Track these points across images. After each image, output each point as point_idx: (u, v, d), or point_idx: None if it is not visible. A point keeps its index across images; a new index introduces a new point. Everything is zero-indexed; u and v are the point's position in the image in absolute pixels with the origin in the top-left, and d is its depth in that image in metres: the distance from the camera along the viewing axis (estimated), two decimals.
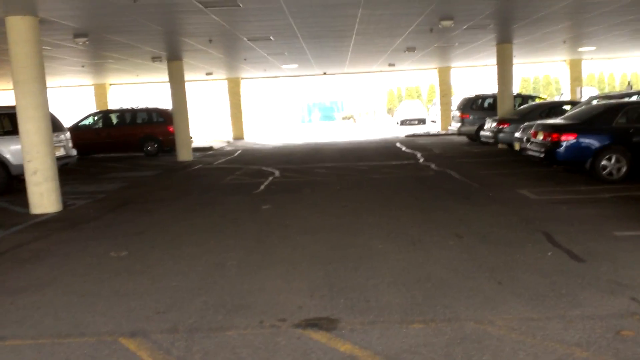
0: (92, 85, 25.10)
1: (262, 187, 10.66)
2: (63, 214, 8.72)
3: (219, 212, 8.28)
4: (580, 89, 22.16)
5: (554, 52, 20.09)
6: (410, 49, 16.25)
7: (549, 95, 32.38)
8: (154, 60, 16.42)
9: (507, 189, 9.06)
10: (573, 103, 14.60)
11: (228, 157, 17.38)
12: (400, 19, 11.28)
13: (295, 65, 21.18)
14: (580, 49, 18.78)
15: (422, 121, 32.27)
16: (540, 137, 9.77)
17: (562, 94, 35.04)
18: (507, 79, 15.93)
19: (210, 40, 13.19)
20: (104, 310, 4.35)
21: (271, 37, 13.11)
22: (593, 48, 18.37)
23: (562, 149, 9.23)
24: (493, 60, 21.76)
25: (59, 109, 36.47)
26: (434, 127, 27.83)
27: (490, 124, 14.91)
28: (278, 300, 4.37)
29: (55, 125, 12.17)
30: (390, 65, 21.87)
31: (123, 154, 18.89)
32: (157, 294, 4.65)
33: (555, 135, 9.26)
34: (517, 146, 12.29)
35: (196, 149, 19.72)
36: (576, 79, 22.77)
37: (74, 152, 12.22)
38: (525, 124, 12.22)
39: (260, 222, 7.45)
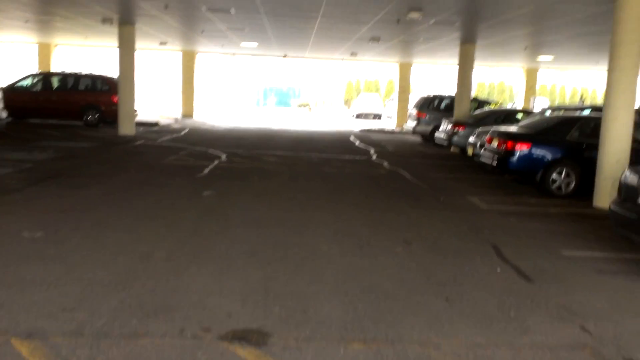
0: (37, 43, 23.39)
1: (206, 171, 10.07)
2: None
3: (155, 195, 7.66)
4: (534, 98, 22.60)
5: (513, 58, 20.33)
6: (375, 39, 15.90)
7: (502, 102, 32.93)
8: (104, 23, 15.30)
9: (459, 195, 8.90)
10: (527, 112, 14.73)
11: (174, 135, 16.55)
12: (368, 4, 10.88)
13: (255, 44, 20.44)
14: (539, 58, 19.05)
15: (378, 116, 32.20)
16: (495, 143, 9.66)
17: (514, 102, 35.95)
18: (466, 81, 15.88)
19: (166, 6, 12.35)
20: (1, 301, 3.76)
21: (232, 10, 12.41)
22: (551, 57, 18.67)
23: (515, 158, 9.14)
24: (454, 60, 21.94)
25: None
26: (389, 123, 27.76)
27: (445, 126, 14.84)
28: (205, 303, 3.90)
29: None
30: (352, 54, 21.50)
31: (61, 121, 17.66)
32: (67, 286, 4.09)
33: (510, 143, 9.16)
34: (470, 151, 12.23)
35: (141, 124, 18.74)
36: (531, 88, 23.21)
37: (3, 114, 11.19)
38: (480, 129, 12.18)
39: (200, 210, 6.92)
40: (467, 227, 6.67)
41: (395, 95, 25.38)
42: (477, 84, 39.74)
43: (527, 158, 9.08)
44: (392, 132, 22.57)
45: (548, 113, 13.11)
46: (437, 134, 15.43)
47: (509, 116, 14.47)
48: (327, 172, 10.82)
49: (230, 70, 43.24)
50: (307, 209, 7.27)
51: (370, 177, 10.40)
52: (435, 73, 42.18)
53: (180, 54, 25.22)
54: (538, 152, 9.07)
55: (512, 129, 10.14)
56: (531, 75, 23.18)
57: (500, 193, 9.25)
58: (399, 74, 24.59)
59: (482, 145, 11.39)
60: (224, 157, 12.05)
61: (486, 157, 9.99)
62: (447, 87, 38.32)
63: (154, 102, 32.75)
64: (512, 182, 10.31)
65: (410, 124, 18.33)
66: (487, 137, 10.15)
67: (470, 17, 11.99)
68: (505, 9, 10.78)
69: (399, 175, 10.75)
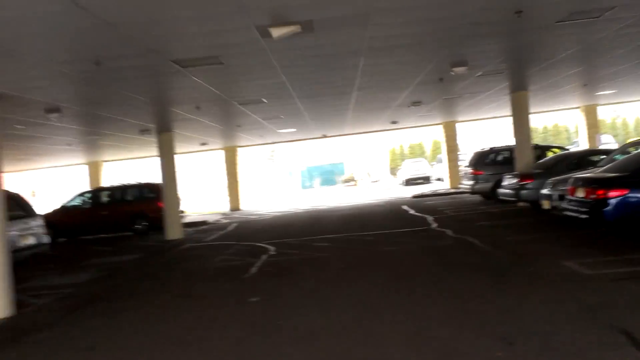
0: (86, 163, 24.10)
1: (254, 269, 9.08)
2: (13, 321, 7.15)
3: (196, 311, 6.68)
4: (600, 136, 20.82)
5: (569, 99, 18.97)
6: (416, 103, 15.06)
7: (564, 146, 30.80)
8: (143, 133, 15.33)
9: (549, 260, 7.44)
10: (603, 152, 13.03)
11: (221, 232, 15.87)
12: (406, 69, 10.10)
13: (293, 130, 20.10)
14: (598, 93, 17.59)
15: (426, 179, 30.95)
16: (581, 193, 8.24)
17: (574, 142, 33.78)
18: (524, 129, 14.58)
19: (197, 107, 12.07)
20: None
21: (264, 99, 11.97)
22: (613, 91, 17.17)
23: (610, 207, 7.66)
24: (501, 112, 20.81)
25: (53, 189, 35.60)
26: (441, 185, 26.40)
27: (510, 180, 13.42)
28: None
29: (25, 210, 10.92)
30: (392, 122, 20.76)
31: (113, 234, 17.45)
32: None
33: (600, 191, 7.73)
34: (546, 204, 10.77)
35: (189, 224, 18.31)
36: (592, 126, 21.47)
37: (45, 239, 10.83)
38: (554, 178, 10.78)
39: (245, 323, 5.85)
40: (578, 307, 5.25)
41: (442, 155, 24.18)
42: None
43: (625, 206, 7.59)
44: (446, 194, 21.18)
45: (633, 149, 11.41)
46: (500, 190, 14.00)
47: (582, 160, 12.92)
48: (385, 251, 9.61)
49: (272, 157, 43.65)
50: (369, 306, 6.06)
51: (436, 251, 9.09)
52: (480, 128, 40.96)
53: (223, 151, 25.32)
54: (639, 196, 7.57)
55: (599, 173, 8.67)
56: (590, 113, 21.52)
57: (600, 252, 7.70)
58: (445, 134, 23.54)
59: (561, 197, 9.96)
60: (272, 249, 11.09)
61: (572, 210, 8.55)
62: (497, 139, 36.96)
63: (204, 197, 32.95)
64: (608, 236, 8.70)
65: (467, 183, 16.96)
66: (569, 187, 8.75)
67: (518, 63, 10.99)
68: (552, 51, 9.80)
69: (468, 244, 9.39)
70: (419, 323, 5.25)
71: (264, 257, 10.28)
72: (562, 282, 6.25)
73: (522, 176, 12.81)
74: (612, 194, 7.66)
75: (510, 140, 15.43)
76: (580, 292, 5.77)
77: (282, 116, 15.42)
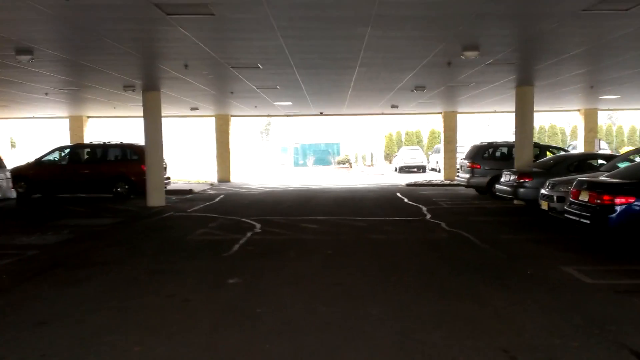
0: (68, 117, 23.26)
1: (236, 246, 8.58)
2: None
3: (168, 288, 6.17)
4: (599, 140, 20.43)
5: (571, 100, 18.51)
6: (419, 88, 14.46)
7: (566, 148, 30.26)
8: (126, 90, 14.55)
9: (547, 264, 7.03)
10: (604, 157, 12.62)
11: (207, 203, 15.32)
12: (415, 47, 9.46)
13: (289, 103, 19.44)
14: (601, 97, 17.14)
15: (421, 168, 30.54)
16: (584, 197, 7.81)
17: (569, 145, 33.45)
18: (527, 126, 14.09)
19: (185, 66, 11.33)
20: None
21: (259, 65, 11.28)
22: (617, 96, 16.73)
23: (615, 215, 7.24)
24: (503, 106, 20.32)
25: (37, 141, 34.65)
26: (436, 175, 26.00)
27: (508, 177, 12.99)
28: None
29: None
30: (393, 107, 20.17)
31: (91, 194, 16.82)
32: None
33: (606, 197, 7.30)
34: (544, 205, 10.35)
35: (174, 192, 17.73)
36: (591, 130, 21.09)
37: (12, 193, 10.22)
38: (555, 179, 10.36)
39: (221, 308, 5.37)
40: (582, 319, 4.83)
41: (439, 146, 23.70)
42: None
43: (631, 214, 7.17)
44: (441, 185, 20.77)
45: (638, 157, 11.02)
46: (498, 186, 13.57)
47: (582, 163, 12.51)
48: (377, 239, 9.16)
49: (266, 130, 43.00)
50: (356, 300, 5.59)
51: (430, 245, 8.65)
52: (478, 120, 40.57)
53: (214, 118, 24.60)
54: None
55: (604, 178, 8.24)
56: (590, 116, 21.11)
57: (599, 260, 7.30)
58: (444, 124, 23.02)
59: (561, 199, 9.56)
60: (258, 227, 10.59)
61: (573, 213, 8.12)
62: (490, 136, 36.49)
63: (191, 167, 32.25)
64: (607, 243, 8.32)
65: (463, 176, 16.52)
66: (572, 189, 8.31)
67: (530, 54, 10.43)
68: (567, 45, 9.28)
69: (463, 240, 8.96)
70: (409, 324, 4.79)
71: (248, 234, 9.78)
72: (562, 290, 5.83)
73: (521, 174, 12.37)
74: (618, 200, 7.23)
75: (505, 137, 14.96)
76: (583, 302, 5.35)
77: (278, 87, 14.75)
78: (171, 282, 6.45)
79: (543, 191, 10.50)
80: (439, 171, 26.73)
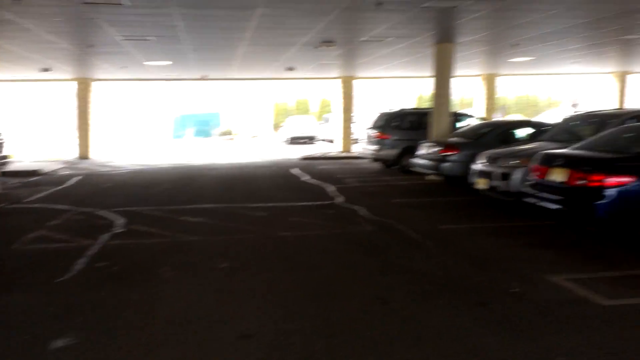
0: None
1: (82, 262, 5.71)
2: None
3: None
4: (504, 107, 19.71)
5: (480, 63, 17.37)
6: (328, 43, 11.95)
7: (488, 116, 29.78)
8: None
9: (530, 272, 5.14)
10: (538, 125, 10.87)
11: (55, 189, 11.79)
12: None
13: (167, 62, 16.01)
14: (514, 59, 16.03)
15: (311, 139, 28.55)
16: (559, 177, 6.05)
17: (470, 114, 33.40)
18: (445, 90, 12.37)
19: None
20: None
21: (121, 1, 8.09)
22: (531, 58, 15.69)
23: (608, 199, 5.53)
24: (410, 71, 18.78)
25: None
26: (331, 147, 24.08)
27: (427, 149, 11.21)
28: None
29: None
30: (288, 69, 17.60)
31: None
32: None
33: (596, 177, 5.56)
34: (481, 183, 8.65)
35: (12, 173, 13.78)
36: (491, 97, 20.38)
37: None
38: (493, 151, 8.70)
39: None
40: None
41: (337, 114, 21.73)
42: (413, 95, 37.21)
43: (628, 199, 5.51)
44: (339, 159, 18.86)
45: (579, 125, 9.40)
46: (414, 160, 11.78)
47: (510, 131, 11.07)
48: (285, 238, 6.78)
49: (138, 99, 38.17)
50: None
51: (359, 245, 6.45)
52: (373, 88, 39.42)
53: (75, 83, 20.30)
54: None
55: (584, 151, 6.45)
56: (491, 83, 20.35)
57: (590, 260, 5.57)
58: (343, 91, 20.97)
59: (505, 176, 7.89)
60: (119, 224, 7.67)
61: (537, 197, 6.37)
62: (391, 103, 35.47)
63: (45, 142, 27.19)
64: (587, 233, 6.68)
65: (370, 148, 14.63)
66: (536, 165, 6.54)
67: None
68: None
69: (399, 235, 6.89)
70: None
71: (104, 237, 6.86)
72: (568, 317, 3.93)
73: (446, 145, 10.58)
74: (611, 181, 5.53)
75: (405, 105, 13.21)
76: (601, 340, 3.44)
77: (151, 37, 11.45)
78: None
79: (478, 166, 8.79)
80: (332, 142, 24.87)
